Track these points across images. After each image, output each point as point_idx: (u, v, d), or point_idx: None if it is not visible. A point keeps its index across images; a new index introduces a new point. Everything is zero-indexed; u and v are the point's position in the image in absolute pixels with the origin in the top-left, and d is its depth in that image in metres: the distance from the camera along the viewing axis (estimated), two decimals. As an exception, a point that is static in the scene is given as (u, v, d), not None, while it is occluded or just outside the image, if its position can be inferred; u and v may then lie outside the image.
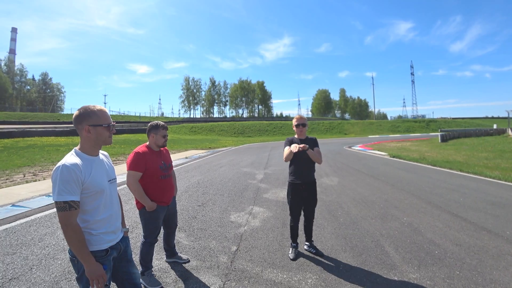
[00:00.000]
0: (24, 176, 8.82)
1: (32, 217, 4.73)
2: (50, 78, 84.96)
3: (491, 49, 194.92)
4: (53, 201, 1.45)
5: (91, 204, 1.55)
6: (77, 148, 1.60)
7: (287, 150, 3.20)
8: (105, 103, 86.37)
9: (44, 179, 8.40)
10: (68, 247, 1.57)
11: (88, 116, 1.56)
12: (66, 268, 2.97)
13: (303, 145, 3.01)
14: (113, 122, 1.67)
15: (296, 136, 3.43)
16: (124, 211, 1.98)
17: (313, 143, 3.35)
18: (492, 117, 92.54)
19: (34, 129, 29.55)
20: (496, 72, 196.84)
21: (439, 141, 25.31)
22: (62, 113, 70.01)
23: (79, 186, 1.47)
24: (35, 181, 8.07)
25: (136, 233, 3.95)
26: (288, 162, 3.40)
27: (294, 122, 3.40)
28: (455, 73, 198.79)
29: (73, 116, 1.59)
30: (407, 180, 8.14)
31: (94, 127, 1.57)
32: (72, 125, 1.59)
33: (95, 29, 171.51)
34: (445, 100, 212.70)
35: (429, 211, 5.00)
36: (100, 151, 1.71)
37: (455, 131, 32.99)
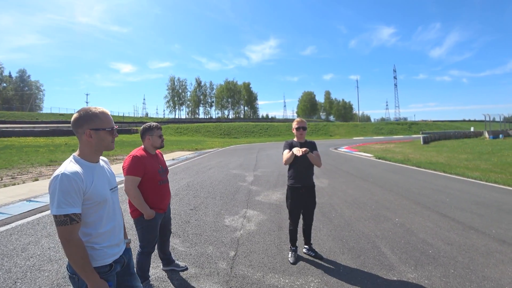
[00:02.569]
0: (2, 180, 8.37)
1: (13, 225, 4.46)
2: (29, 76, 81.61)
3: (468, 55, 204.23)
4: (52, 215, 1.31)
5: (93, 215, 1.42)
6: (76, 154, 1.47)
7: (287, 153, 3.17)
8: (87, 103, 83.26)
9: (23, 182, 8.00)
10: (57, 262, 1.43)
11: (89, 119, 1.44)
12: (55, 281, 2.79)
13: (304, 148, 2.99)
14: (116, 125, 1.56)
15: (295, 139, 3.41)
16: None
17: (312, 147, 3.34)
18: (469, 120, 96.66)
19: (11, 129, 28.34)
20: (472, 77, 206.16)
21: (421, 143, 26.13)
22: (41, 112, 67.11)
23: (80, 197, 1.35)
24: (14, 184, 7.67)
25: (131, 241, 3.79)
26: (286, 166, 3.38)
27: (294, 125, 3.37)
28: (435, 77, 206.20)
29: (72, 119, 1.46)
30: (395, 181, 8.32)
31: (96, 131, 1.45)
32: (52, 125, 1.45)
33: (78, 26, 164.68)
34: (426, 103, 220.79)
35: (419, 212, 5.12)
36: (100, 157, 1.59)
37: (436, 133, 34.19)
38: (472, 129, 40.90)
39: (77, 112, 1.46)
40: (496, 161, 12.26)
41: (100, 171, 1.52)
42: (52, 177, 1.33)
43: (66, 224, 1.29)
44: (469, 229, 4.20)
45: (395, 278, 2.85)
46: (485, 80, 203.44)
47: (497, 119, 36.14)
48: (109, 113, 1.55)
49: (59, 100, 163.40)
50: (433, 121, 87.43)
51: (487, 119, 33.50)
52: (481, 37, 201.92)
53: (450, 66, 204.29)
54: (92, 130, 1.44)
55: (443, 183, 7.94)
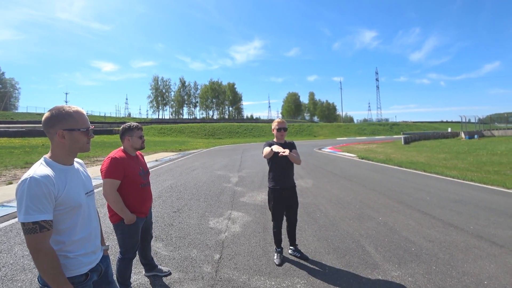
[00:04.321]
0: (-29, 184, 7.89)
1: (-17, 231, 4.19)
2: (3, 73, 77.77)
3: (445, 59, 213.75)
4: (20, 222, 1.21)
5: (66, 222, 1.32)
6: (47, 156, 1.37)
7: (267, 149, 3.12)
8: (66, 102, 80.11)
9: (-5, 186, 7.57)
10: (29, 271, 1.31)
11: (62, 118, 1.33)
12: (29, 289, 2.63)
13: (287, 151, 2.95)
14: (92, 125, 1.47)
15: (275, 139, 3.39)
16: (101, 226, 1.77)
17: (292, 146, 3.35)
18: (447, 121, 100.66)
19: (-18, 131, 26.84)
20: (449, 80, 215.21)
21: (402, 143, 26.87)
22: (16, 111, 64.36)
23: (51, 202, 1.24)
24: (-15, 189, 7.24)
25: (110, 246, 3.61)
26: (268, 168, 3.38)
27: (275, 126, 3.33)
28: (415, 80, 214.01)
29: (43, 118, 1.35)
30: (377, 180, 8.48)
31: (69, 131, 1.35)
32: (29, 125, 1.34)
33: (56, 22, 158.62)
34: (406, 105, 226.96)
35: (401, 210, 5.22)
36: (75, 159, 1.49)
37: (416, 134, 35.34)
38: (449, 130, 42.65)
39: (49, 111, 1.36)
40: (472, 160, 12.77)
41: (74, 174, 1.42)
42: (19, 181, 1.23)
43: (35, 232, 1.19)
44: (449, 226, 4.32)
45: (380, 277, 2.87)
46: (461, 83, 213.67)
47: (473, 120, 37.95)
48: (85, 113, 1.45)
49: (36, 99, 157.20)
50: (413, 122, 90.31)
51: (463, 120, 35.06)
52: (457, 42, 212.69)
53: (428, 69, 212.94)
54: (66, 131, 1.34)
55: (424, 182, 8.17)
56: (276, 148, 2.98)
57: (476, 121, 37.36)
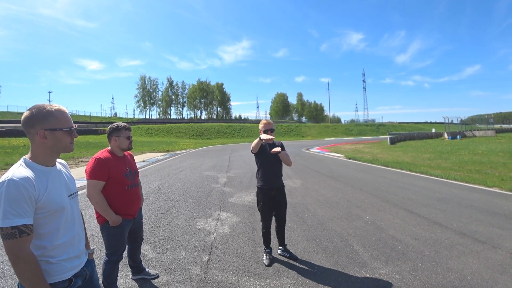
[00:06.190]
0: None
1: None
2: (-19, 72, 74.81)
3: (429, 62, 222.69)
4: None
5: (48, 226, 1.26)
6: (27, 157, 1.30)
7: (255, 141, 3.11)
8: (49, 101, 77.62)
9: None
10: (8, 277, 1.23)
11: (43, 118, 1.27)
12: (8, 296, 2.52)
13: (279, 148, 2.95)
14: (75, 125, 1.41)
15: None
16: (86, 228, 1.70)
17: (281, 147, 3.32)
18: (431, 122, 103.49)
19: (-42, 131, 25.70)
20: (433, 82, 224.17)
21: (389, 143, 27.37)
22: (-4, 110, 61.88)
23: (31, 206, 1.18)
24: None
25: (96, 249, 3.52)
26: (256, 167, 3.36)
27: (261, 127, 3.26)
28: (400, 82, 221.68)
29: (23, 117, 1.28)
30: (365, 180, 8.61)
31: (51, 131, 1.28)
32: (9, 125, 1.27)
33: (39, 18, 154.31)
34: (392, 106, 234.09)
35: (388, 209, 5.32)
36: (57, 159, 1.43)
37: (401, 134, 36.13)
38: (433, 130, 43.82)
39: (29, 110, 1.29)
40: (454, 160, 13.15)
41: (56, 175, 1.36)
42: None
43: (14, 237, 1.13)
44: (433, 224, 4.43)
45: (368, 275, 2.91)
46: (444, 85, 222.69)
47: (455, 121, 39.24)
48: (67, 111, 1.39)
49: (18, 97, 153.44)
50: (399, 122, 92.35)
51: (446, 121, 36.20)
52: (440, 46, 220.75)
53: (413, 71, 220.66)
54: (47, 131, 1.28)
55: (409, 181, 8.36)
56: (264, 136, 2.97)
57: (459, 122, 38.68)
